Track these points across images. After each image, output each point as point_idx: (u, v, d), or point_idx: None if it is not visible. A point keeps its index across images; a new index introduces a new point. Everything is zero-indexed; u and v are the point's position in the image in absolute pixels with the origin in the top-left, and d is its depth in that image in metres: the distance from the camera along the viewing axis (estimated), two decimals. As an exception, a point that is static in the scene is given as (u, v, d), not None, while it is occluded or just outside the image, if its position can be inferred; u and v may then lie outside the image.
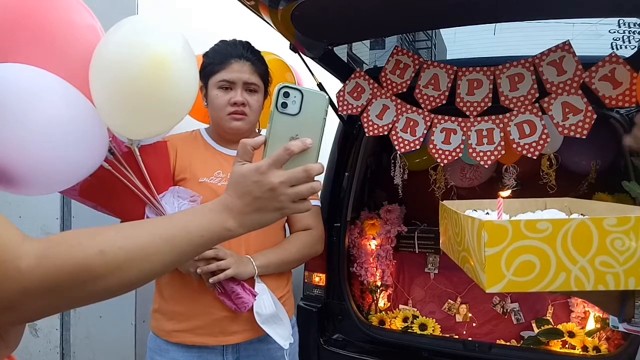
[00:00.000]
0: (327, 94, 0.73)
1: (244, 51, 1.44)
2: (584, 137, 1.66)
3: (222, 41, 1.49)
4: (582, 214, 0.89)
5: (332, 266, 2.29)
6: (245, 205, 0.70)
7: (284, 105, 0.70)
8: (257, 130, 1.62)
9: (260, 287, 1.41)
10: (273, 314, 1.41)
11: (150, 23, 1.01)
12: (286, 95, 0.70)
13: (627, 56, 1.84)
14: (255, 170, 0.70)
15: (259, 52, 1.50)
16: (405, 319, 2.35)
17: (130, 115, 1.01)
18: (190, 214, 0.71)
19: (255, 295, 1.37)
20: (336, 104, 2.00)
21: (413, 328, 2.28)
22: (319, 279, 2.33)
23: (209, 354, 1.42)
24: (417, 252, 2.58)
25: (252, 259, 1.40)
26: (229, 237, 0.71)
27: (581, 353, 1.99)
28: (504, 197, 0.88)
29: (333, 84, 2.20)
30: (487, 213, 0.94)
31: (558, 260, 0.69)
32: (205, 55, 1.49)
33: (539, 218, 0.71)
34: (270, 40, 1.90)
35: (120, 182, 1.23)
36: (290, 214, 0.73)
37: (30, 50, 0.97)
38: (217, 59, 1.44)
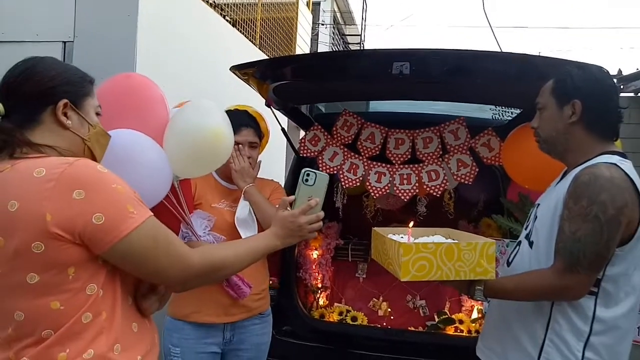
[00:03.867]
0: (328, 175, 1.36)
1: (249, 120, 2.06)
2: (470, 183, 2.42)
3: (230, 112, 2.02)
4: (453, 239, 1.59)
5: (283, 272, 2.78)
6: (285, 234, 1.33)
7: (306, 180, 1.33)
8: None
9: (244, 202, 1.97)
10: (245, 219, 1.96)
11: (210, 107, 1.56)
12: (308, 174, 1.33)
13: (500, 125, 2.65)
14: (291, 215, 1.33)
15: (255, 118, 2.11)
16: (340, 313, 2.80)
17: (190, 164, 1.56)
18: (257, 239, 1.33)
19: (250, 287, 1.94)
20: (297, 148, 2.63)
21: (346, 320, 2.76)
22: (272, 282, 2.85)
23: (214, 330, 1.98)
24: (350, 260, 3.10)
25: None
26: (275, 250, 1.33)
27: (467, 335, 2.69)
28: (409, 227, 1.56)
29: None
30: (402, 237, 1.61)
31: (437, 264, 1.37)
32: None
33: (428, 241, 1.40)
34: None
35: (164, 205, 1.76)
36: (305, 239, 1.36)
37: (128, 118, 1.47)
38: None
